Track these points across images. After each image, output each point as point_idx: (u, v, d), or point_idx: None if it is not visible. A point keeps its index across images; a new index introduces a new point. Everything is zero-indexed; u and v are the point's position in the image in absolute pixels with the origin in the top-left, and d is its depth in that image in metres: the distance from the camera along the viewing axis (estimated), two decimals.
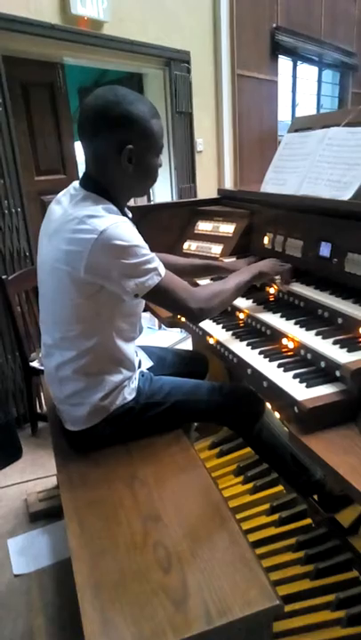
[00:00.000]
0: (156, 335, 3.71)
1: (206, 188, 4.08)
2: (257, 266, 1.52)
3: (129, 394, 1.36)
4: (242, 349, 1.39)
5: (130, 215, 1.41)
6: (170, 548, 0.94)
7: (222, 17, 4.07)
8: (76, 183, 1.27)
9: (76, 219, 1.15)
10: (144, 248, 1.17)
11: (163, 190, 4.03)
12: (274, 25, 4.85)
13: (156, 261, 1.20)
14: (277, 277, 1.55)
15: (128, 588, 0.86)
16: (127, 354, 1.34)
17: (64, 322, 1.26)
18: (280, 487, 1.92)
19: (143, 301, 1.34)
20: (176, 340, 3.55)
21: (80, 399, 1.30)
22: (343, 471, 0.94)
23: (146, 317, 3.10)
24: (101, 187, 1.23)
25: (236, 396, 1.49)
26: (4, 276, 2.43)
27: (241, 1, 4.26)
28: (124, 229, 1.14)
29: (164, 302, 1.27)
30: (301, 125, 1.82)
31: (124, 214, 1.29)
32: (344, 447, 1.00)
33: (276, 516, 1.77)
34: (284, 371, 1.22)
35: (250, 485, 1.94)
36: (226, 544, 0.95)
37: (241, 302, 1.60)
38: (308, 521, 1.75)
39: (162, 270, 1.22)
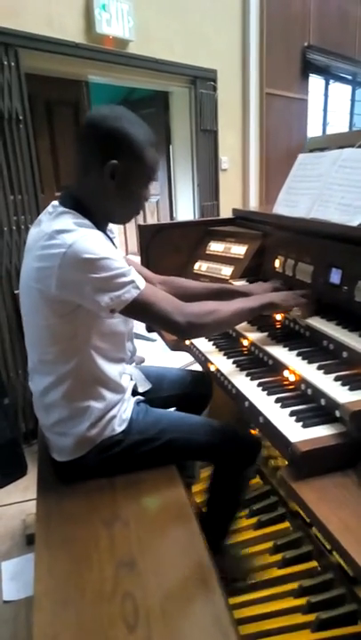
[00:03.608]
0: (174, 353, 3.65)
1: (229, 206, 4.00)
2: (269, 296, 1.42)
3: (118, 425, 1.28)
4: (241, 380, 1.31)
5: (113, 236, 1.36)
6: (139, 600, 0.86)
7: (252, 35, 4.05)
8: (55, 202, 1.20)
9: (45, 235, 1.09)
10: (117, 261, 1.09)
11: (185, 207, 4.00)
12: (305, 44, 4.80)
13: (132, 274, 1.11)
14: (297, 311, 1.42)
15: None
16: (111, 375, 1.26)
17: (40, 344, 1.21)
18: (286, 524, 1.81)
19: (128, 320, 1.28)
20: (192, 359, 3.47)
21: (65, 428, 1.24)
22: (333, 527, 0.85)
23: None
24: (80, 204, 1.17)
25: (236, 440, 1.40)
26: (16, 291, 2.43)
27: (272, 19, 4.24)
28: (93, 242, 1.07)
29: (147, 317, 1.19)
30: (317, 145, 1.75)
31: (105, 234, 1.22)
32: (338, 498, 0.91)
33: (279, 556, 1.67)
34: (282, 407, 1.14)
35: (254, 520, 1.84)
36: (201, 602, 0.86)
37: (246, 328, 1.53)
38: (313, 564, 1.64)
39: (140, 283, 1.13)
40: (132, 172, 1.16)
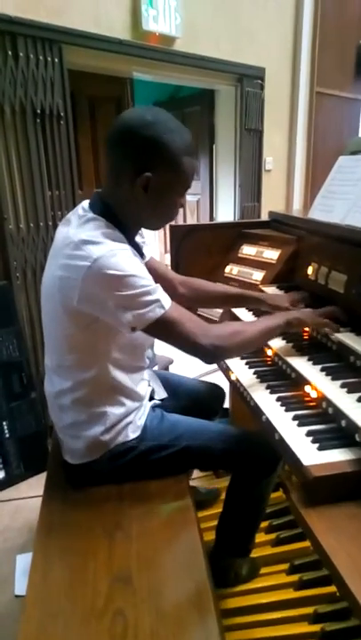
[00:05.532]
0: None
1: (271, 209, 3.92)
2: (293, 313, 1.36)
3: (133, 432, 1.25)
4: (260, 393, 1.25)
5: (143, 240, 1.32)
6: (130, 619, 0.82)
7: (304, 33, 3.92)
8: (85, 203, 1.17)
9: (72, 243, 1.05)
10: (143, 278, 1.05)
11: (225, 208, 3.93)
12: None
13: (158, 292, 1.07)
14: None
15: None
16: (129, 385, 1.23)
17: (58, 350, 1.19)
18: (306, 543, 1.73)
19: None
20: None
21: (79, 431, 1.22)
22: (339, 562, 0.78)
23: None
24: (110, 210, 1.12)
25: (255, 449, 1.33)
26: None
27: (326, 17, 4.09)
28: (120, 258, 1.03)
29: (170, 337, 1.12)
30: (358, 147, 1.65)
31: (134, 242, 1.19)
32: (349, 531, 0.84)
33: (296, 577, 1.59)
34: (299, 425, 1.07)
35: (273, 536, 1.77)
36: (195, 629, 0.81)
37: None
38: (332, 589, 1.55)
39: (166, 302, 1.08)
40: (168, 185, 1.11)
